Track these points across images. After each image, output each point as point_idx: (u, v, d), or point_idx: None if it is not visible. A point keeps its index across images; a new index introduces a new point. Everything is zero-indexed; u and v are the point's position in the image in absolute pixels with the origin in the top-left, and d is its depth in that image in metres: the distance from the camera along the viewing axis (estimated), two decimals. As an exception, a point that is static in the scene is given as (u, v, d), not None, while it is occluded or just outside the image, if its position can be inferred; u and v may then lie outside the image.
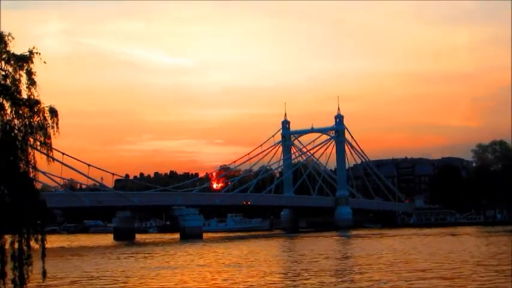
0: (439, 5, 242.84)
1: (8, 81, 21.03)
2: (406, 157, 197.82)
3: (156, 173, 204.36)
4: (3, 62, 21.11)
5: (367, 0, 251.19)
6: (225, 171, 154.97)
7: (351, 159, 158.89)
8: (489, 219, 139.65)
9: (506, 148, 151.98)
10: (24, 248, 19.59)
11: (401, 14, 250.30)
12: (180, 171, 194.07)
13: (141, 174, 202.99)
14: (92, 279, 40.29)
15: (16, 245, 19.45)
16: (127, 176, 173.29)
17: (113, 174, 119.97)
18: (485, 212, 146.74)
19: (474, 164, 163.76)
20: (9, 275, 19.28)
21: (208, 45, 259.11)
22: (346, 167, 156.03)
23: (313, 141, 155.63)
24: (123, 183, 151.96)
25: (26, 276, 19.51)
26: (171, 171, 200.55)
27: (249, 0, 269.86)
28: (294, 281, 39.12)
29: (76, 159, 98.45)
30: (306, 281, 38.45)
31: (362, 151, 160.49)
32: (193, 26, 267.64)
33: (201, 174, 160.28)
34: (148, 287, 36.49)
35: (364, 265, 47.94)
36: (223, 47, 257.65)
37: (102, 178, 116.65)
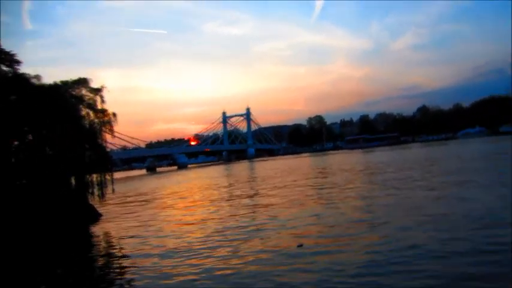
0: (291, 49, 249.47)
1: (91, 101, 20.84)
2: (278, 125, 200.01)
3: (165, 139, 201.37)
4: (88, 92, 20.85)
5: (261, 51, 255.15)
6: (196, 136, 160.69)
7: (253, 127, 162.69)
8: (317, 148, 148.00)
9: (320, 118, 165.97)
10: (103, 179, 19.95)
11: (278, 58, 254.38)
12: (176, 137, 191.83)
13: (158, 140, 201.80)
14: (139, 189, 38.63)
15: (99, 178, 19.82)
16: (151, 141, 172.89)
17: (144, 141, 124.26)
18: (316, 146, 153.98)
19: (307, 126, 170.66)
20: (96, 193, 19.65)
21: (187, 79, 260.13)
22: (251, 130, 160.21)
23: (237, 120, 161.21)
24: (149, 145, 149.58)
25: (104, 193, 19.90)
26: (172, 138, 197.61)
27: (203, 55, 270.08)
28: (231, 178, 35.25)
29: (126, 135, 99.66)
30: (237, 176, 35.06)
31: (258, 123, 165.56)
32: (180, 68, 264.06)
33: (186, 138, 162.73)
34: (171, 189, 34.36)
35: (261, 169, 45.27)
36: (194, 80, 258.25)
37: (139, 143, 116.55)
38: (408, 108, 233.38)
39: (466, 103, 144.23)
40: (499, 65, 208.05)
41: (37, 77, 18.56)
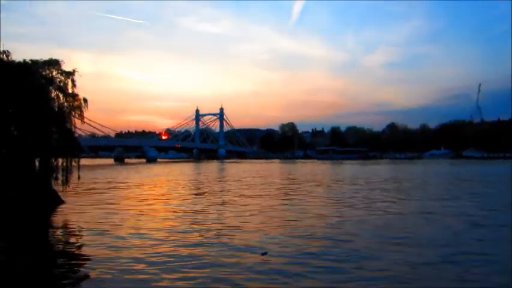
0: (268, 53, 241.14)
1: (62, 84, 20.07)
2: (251, 128, 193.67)
3: (135, 131, 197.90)
4: (59, 75, 20.11)
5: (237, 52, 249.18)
6: (168, 131, 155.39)
7: (226, 127, 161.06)
8: (288, 156, 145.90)
9: (293, 126, 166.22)
10: (69, 164, 19.29)
11: (254, 61, 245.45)
12: (147, 130, 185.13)
13: (128, 131, 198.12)
14: (105, 179, 37.06)
15: (64, 163, 19.15)
16: (121, 131, 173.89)
17: (114, 130, 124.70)
18: (288, 153, 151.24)
19: (279, 132, 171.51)
20: (60, 178, 18.95)
21: (162, 70, 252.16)
22: (224, 131, 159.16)
23: (209, 119, 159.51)
24: (119, 135, 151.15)
25: (69, 179, 19.23)
26: (143, 130, 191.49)
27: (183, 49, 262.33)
28: (199, 178, 34.43)
29: (96, 122, 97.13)
30: (207, 175, 34.89)
31: (231, 124, 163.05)
32: (155, 60, 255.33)
33: (157, 132, 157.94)
34: (140, 182, 33.59)
35: (231, 170, 44.43)
36: (168, 74, 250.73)
37: (109, 132, 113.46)
38: (378, 124, 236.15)
39: (432, 124, 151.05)
40: (465, 91, 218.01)
41: (5, 52, 17.55)
